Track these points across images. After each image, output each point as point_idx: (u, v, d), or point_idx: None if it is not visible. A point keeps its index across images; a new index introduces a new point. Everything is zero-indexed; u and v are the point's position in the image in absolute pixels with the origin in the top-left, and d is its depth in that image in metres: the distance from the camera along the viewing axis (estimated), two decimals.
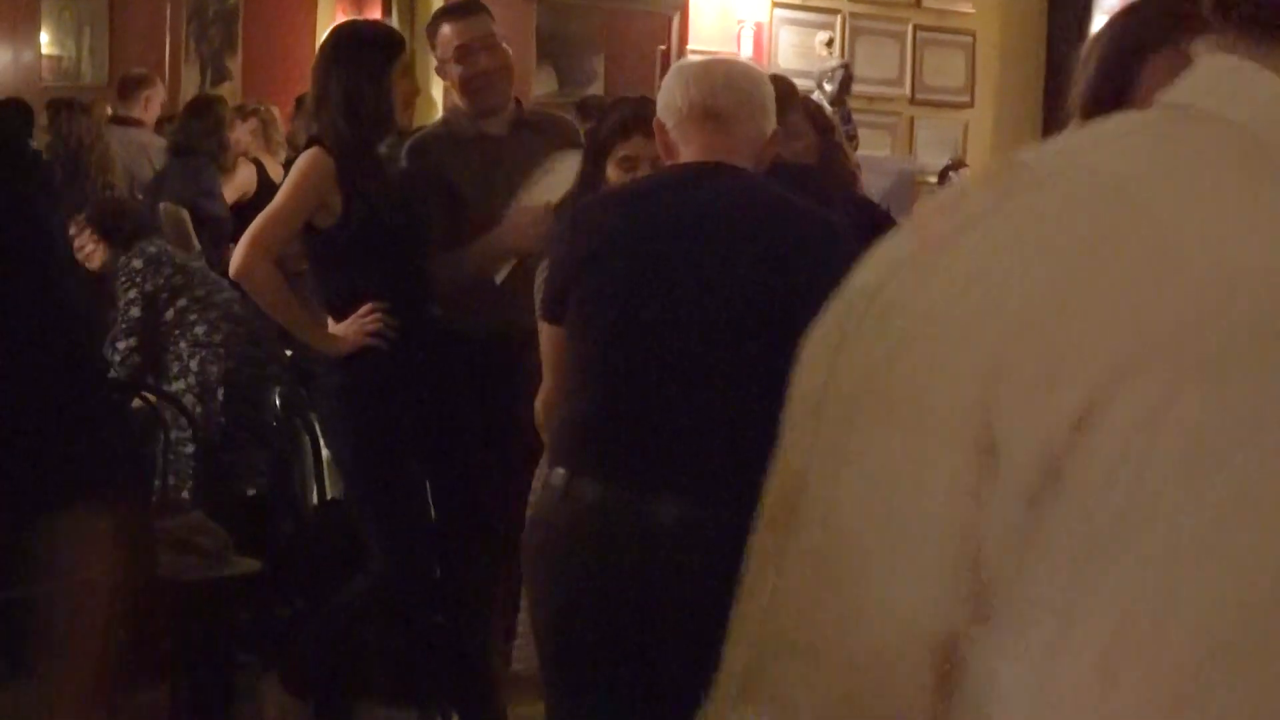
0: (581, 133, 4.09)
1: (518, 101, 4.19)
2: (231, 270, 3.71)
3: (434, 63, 4.54)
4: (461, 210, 3.98)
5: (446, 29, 4.00)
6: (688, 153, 2.70)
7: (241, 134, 7.18)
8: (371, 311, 3.65)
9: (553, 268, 2.77)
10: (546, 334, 2.75)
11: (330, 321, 3.80)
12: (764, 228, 2.60)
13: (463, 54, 3.92)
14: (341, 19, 7.42)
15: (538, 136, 4.09)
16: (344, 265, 3.75)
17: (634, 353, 2.59)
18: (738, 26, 10.28)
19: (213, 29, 9.86)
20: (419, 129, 4.68)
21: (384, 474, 3.73)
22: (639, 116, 3.19)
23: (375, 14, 9.25)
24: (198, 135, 6.62)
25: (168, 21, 9.20)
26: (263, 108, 7.50)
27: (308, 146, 3.79)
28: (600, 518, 2.54)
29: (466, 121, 4.07)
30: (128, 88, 7.66)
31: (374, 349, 3.67)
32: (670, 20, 10.19)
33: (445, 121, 4.24)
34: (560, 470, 2.63)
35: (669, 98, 2.72)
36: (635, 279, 2.62)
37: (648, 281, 2.61)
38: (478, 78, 3.95)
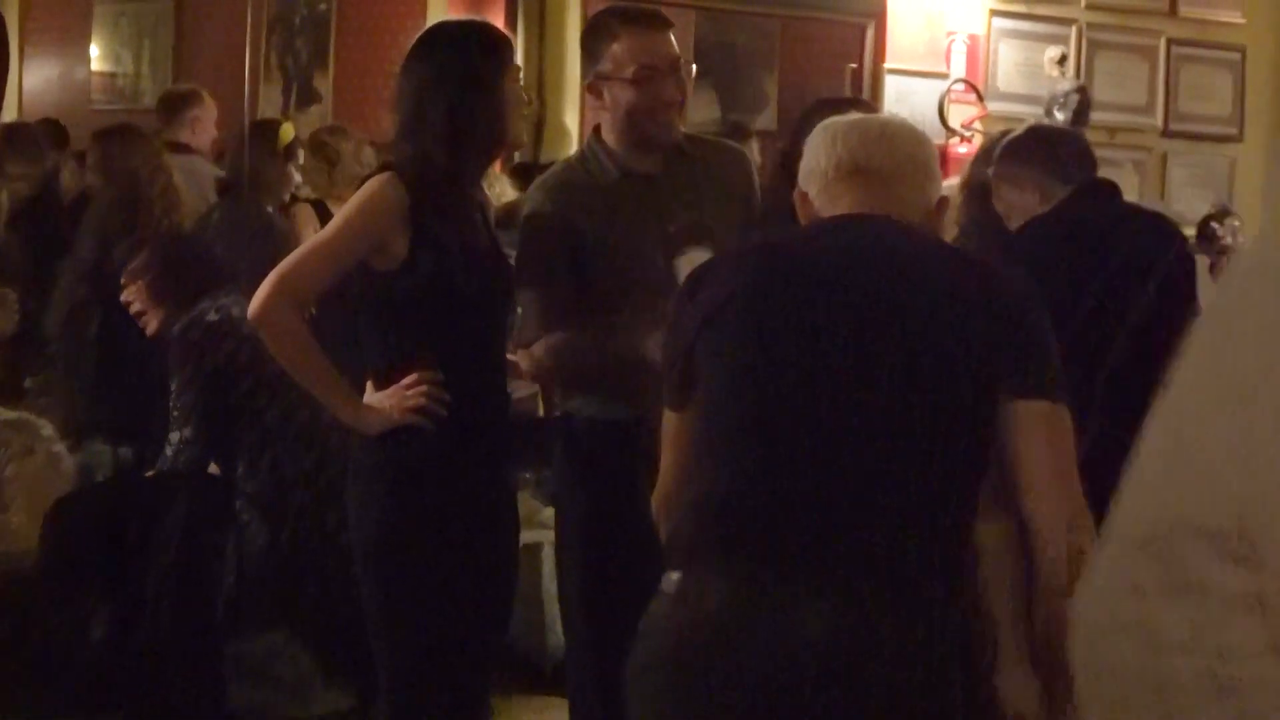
0: (755, 172, 3.60)
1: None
2: (250, 311, 3.13)
3: (563, 80, 4.22)
4: (595, 274, 3.33)
5: (626, 41, 3.30)
6: (838, 212, 2.45)
7: (314, 168, 6.27)
8: (418, 382, 3.12)
9: (672, 334, 2.45)
10: (667, 419, 2.46)
11: (369, 388, 3.24)
12: (942, 279, 2.33)
13: (644, 77, 3.26)
14: None
15: (700, 173, 3.42)
16: (397, 321, 3.20)
17: (777, 420, 2.28)
18: (947, 40, 9.26)
19: (299, 40, 8.96)
20: (537, 163, 4.55)
21: (408, 589, 3.21)
22: None
23: (497, 21, 8.08)
24: (252, 167, 5.87)
25: (247, 32, 7.36)
26: (329, 143, 6.30)
27: (376, 174, 3.18)
28: (725, 626, 2.23)
29: (611, 161, 3.38)
30: (170, 107, 6.70)
31: (417, 428, 3.15)
32: (863, 31, 9.17)
33: (584, 159, 3.43)
34: (676, 573, 2.31)
35: (812, 161, 2.48)
36: (777, 335, 2.32)
37: (793, 338, 2.31)
38: (655, 109, 3.29)
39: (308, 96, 9.00)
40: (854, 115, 2.61)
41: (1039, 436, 2.22)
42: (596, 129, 3.42)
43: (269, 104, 8.70)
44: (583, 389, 3.41)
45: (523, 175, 6.60)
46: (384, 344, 3.21)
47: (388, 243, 3.09)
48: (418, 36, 3.34)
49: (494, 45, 3.22)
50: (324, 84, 9.05)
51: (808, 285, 2.34)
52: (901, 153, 2.46)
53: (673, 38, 3.35)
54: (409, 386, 3.13)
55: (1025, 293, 2.35)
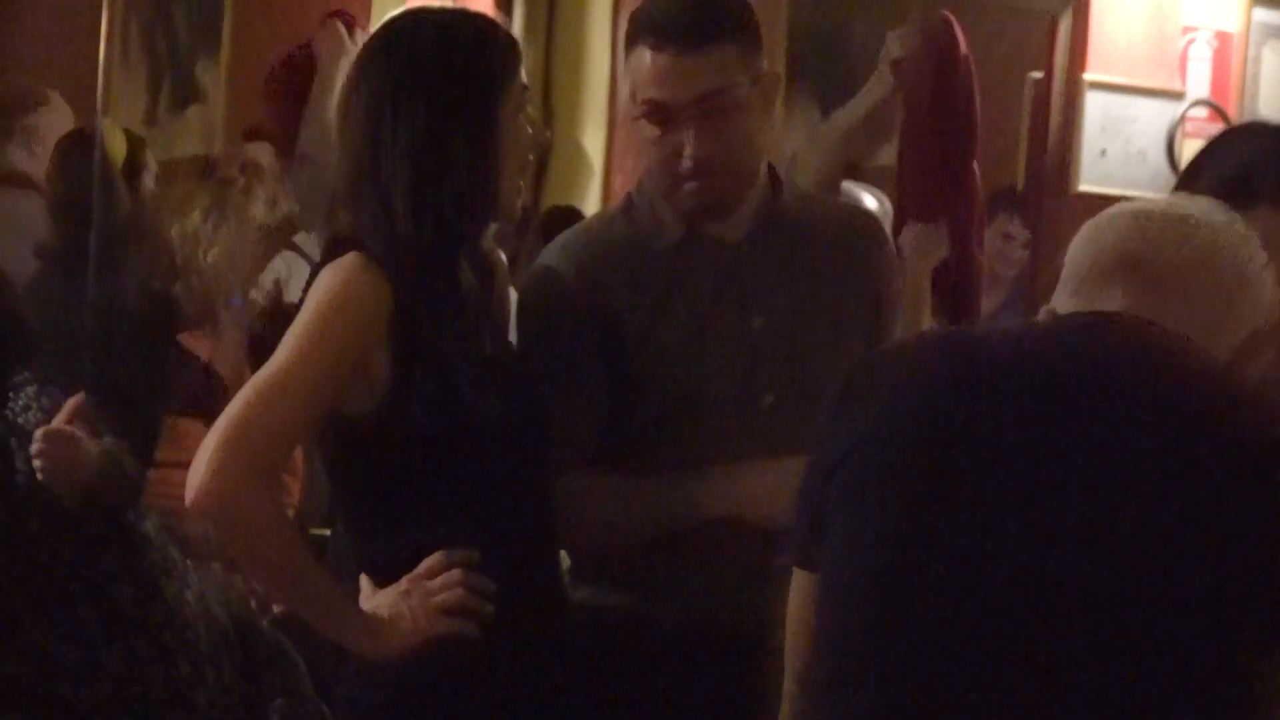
0: (892, 242, 3.16)
1: (772, 177, 2.84)
2: (192, 496, 2.47)
3: (581, 83, 5.27)
4: (637, 382, 2.78)
5: (635, 58, 2.71)
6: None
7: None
8: (446, 567, 2.53)
9: (808, 471, 2.13)
10: (796, 586, 2.15)
11: (364, 587, 2.64)
12: (1201, 422, 1.94)
13: (652, 118, 2.70)
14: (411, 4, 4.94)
15: (806, 246, 2.83)
16: (392, 487, 2.61)
17: (945, 618, 1.94)
18: (1183, 40, 7.49)
19: (175, 9, 7.40)
20: (536, 208, 4.88)
21: None
22: None
23: (485, 3, 6.55)
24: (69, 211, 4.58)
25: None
26: (227, 172, 4.84)
27: (335, 251, 2.58)
28: None
29: (671, 215, 2.78)
30: None
31: (452, 643, 2.57)
32: (1052, 24, 7.28)
33: (630, 209, 2.82)
34: None
35: (1070, 264, 2.12)
36: (938, 488, 1.97)
37: (962, 495, 1.96)
38: (668, 167, 2.71)
39: (187, 93, 7.42)
40: (1137, 204, 2.20)
41: None
42: (651, 169, 2.85)
43: (128, 104, 7.23)
44: (607, 567, 2.82)
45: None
46: (378, 521, 2.65)
47: (366, 364, 2.54)
48: (374, 34, 2.76)
49: (491, 53, 2.61)
50: (211, 75, 7.38)
51: (998, 415, 1.98)
52: (1199, 247, 2.08)
53: (731, 51, 2.69)
54: (431, 575, 2.58)
55: None
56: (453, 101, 2.54)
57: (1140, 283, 2.03)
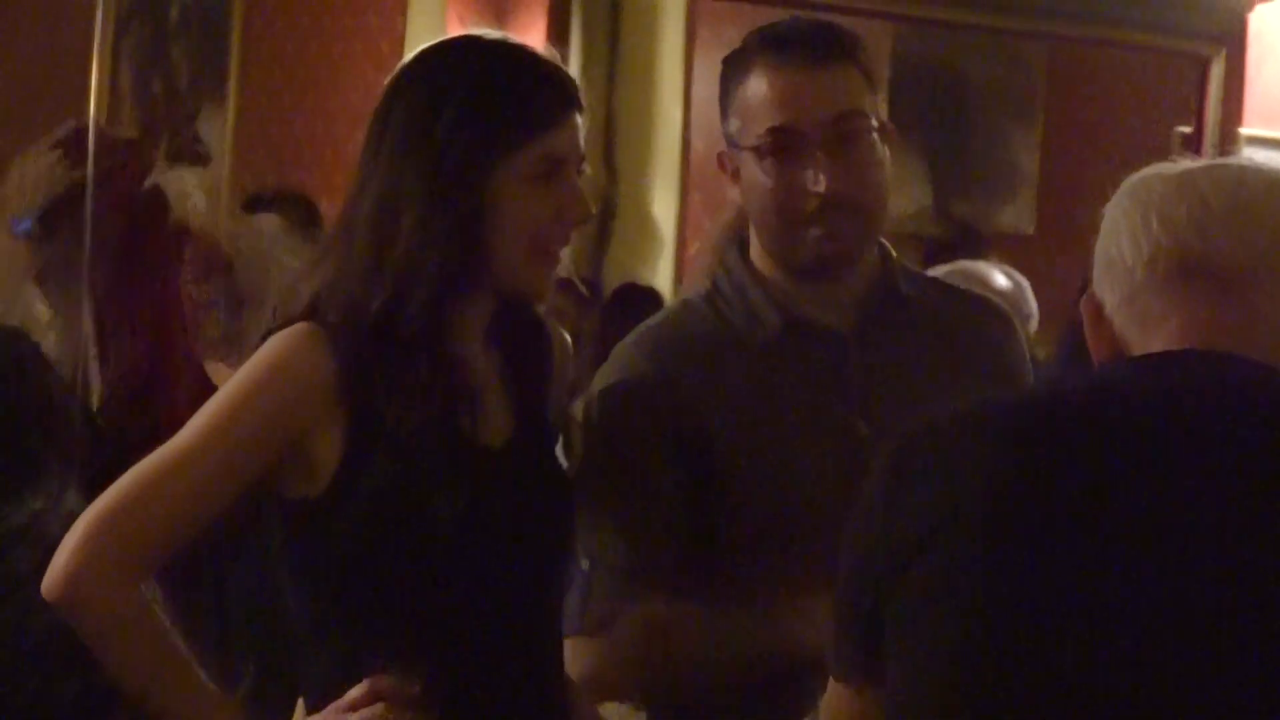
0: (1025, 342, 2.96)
1: (883, 253, 2.75)
2: (46, 584, 2.42)
3: (651, 130, 5.02)
4: (727, 499, 2.66)
5: (759, 79, 2.62)
6: (1151, 342, 2.00)
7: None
8: (371, 699, 2.38)
9: (854, 568, 2.00)
10: (836, 705, 2.04)
11: (299, 712, 2.55)
12: None
13: (779, 145, 2.59)
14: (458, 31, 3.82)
15: (925, 336, 2.76)
16: (332, 586, 2.46)
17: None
18: None
19: (175, 48, 6.51)
20: (628, 290, 4.92)
21: None
22: None
23: (536, 33, 6.13)
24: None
25: (92, 35, 5.32)
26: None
27: (290, 320, 2.51)
28: None
29: (767, 301, 2.67)
30: None
31: None
32: (1203, 67, 6.86)
33: (712, 298, 2.71)
34: None
35: (1113, 248, 2.00)
36: (1039, 581, 1.84)
37: (1070, 586, 1.83)
38: (818, 206, 2.61)
39: (186, 149, 6.49)
40: (1186, 164, 2.09)
41: None
42: (743, 243, 2.72)
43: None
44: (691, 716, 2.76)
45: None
46: (315, 626, 2.51)
47: (307, 446, 2.41)
48: (402, 65, 2.56)
49: (539, 94, 2.46)
50: (217, 126, 6.54)
51: (1097, 488, 1.87)
52: (1272, 232, 1.99)
53: (855, 74, 2.67)
54: (356, 707, 2.45)
55: None
56: (458, 143, 2.40)
57: (1205, 291, 1.93)
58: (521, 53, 2.44)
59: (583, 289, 5.69)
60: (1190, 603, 1.74)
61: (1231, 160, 2.08)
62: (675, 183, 6.34)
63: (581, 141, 2.37)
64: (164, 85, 6.39)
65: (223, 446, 2.33)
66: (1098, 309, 1.94)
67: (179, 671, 2.36)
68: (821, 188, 2.50)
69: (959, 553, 1.81)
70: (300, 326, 2.35)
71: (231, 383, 2.35)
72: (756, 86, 2.56)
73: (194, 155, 6.29)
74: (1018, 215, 7.52)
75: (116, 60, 6.03)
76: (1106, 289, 1.94)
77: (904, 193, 6.86)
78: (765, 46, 2.58)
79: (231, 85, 6.40)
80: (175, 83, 6.43)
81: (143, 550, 2.31)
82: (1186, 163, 1.98)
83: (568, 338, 2.68)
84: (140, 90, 6.29)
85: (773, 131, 2.50)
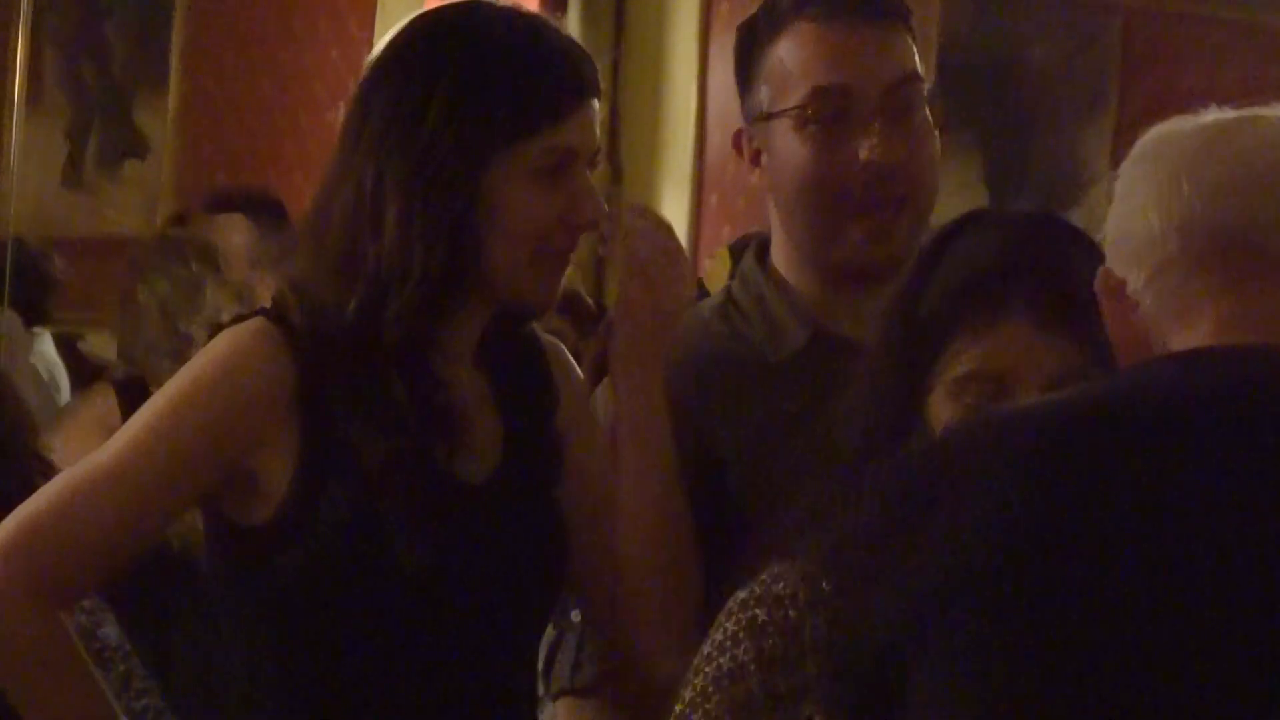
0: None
1: None
2: None
3: (661, 112, 5.22)
4: (748, 527, 2.59)
5: (795, 38, 2.56)
6: (1190, 334, 1.87)
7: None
8: None
9: (855, 594, 1.96)
10: None
11: None
12: None
13: (822, 113, 2.53)
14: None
15: None
16: (274, 630, 2.39)
17: None
18: None
19: (109, 29, 6.62)
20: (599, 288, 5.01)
21: None
22: None
23: (528, 6, 4.42)
24: None
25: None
26: (190, 247, 4.35)
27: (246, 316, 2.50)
28: None
29: (790, 309, 2.64)
30: None
31: None
32: None
33: (725, 310, 2.76)
34: None
35: (1135, 218, 1.91)
36: (1080, 621, 1.71)
37: (1132, 638, 1.71)
38: (872, 181, 2.55)
39: (122, 142, 6.80)
40: (1215, 115, 2.01)
41: None
42: (761, 245, 2.68)
43: (39, 157, 6.46)
44: None
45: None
46: (251, 684, 2.49)
47: (254, 463, 2.35)
48: (391, 35, 2.50)
49: (550, 76, 2.39)
50: (155, 118, 6.74)
51: (1140, 508, 1.78)
52: None
53: (899, 37, 2.61)
54: None
55: None
56: (427, 135, 2.34)
57: (1245, 270, 1.79)
58: (531, 25, 2.41)
59: (590, 303, 5.56)
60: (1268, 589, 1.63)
61: (1269, 111, 1.91)
62: (688, 182, 6.24)
63: (597, 132, 2.32)
64: (95, 69, 6.64)
65: (159, 456, 2.28)
66: (1118, 289, 1.82)
67: (93, 713, 2.34)
68: (876, 156, 2.43)
69: (988, 611, 1.69)
70: (257, 321, 2.29)
71: (171, 383, 2.29)
72: (796, 45, 2.50)
73: (126, 148, 6.52)
74: (1086, 220, 7.38)
75: (39, 40, 6.05)
76: (1128, 265, 1.83)
77: (954, 193, 6.18)
78: (804, 2, 2.53)
79: (174, 69, 6.50)
80: (109, 66, 6.63)
81: (59, 575, 2.25)
82: (1215, 113, 1.87)
83: (573, 361, 2.61)
84: (68, 75, 6.52)
85: (818, 93, 2.43)
